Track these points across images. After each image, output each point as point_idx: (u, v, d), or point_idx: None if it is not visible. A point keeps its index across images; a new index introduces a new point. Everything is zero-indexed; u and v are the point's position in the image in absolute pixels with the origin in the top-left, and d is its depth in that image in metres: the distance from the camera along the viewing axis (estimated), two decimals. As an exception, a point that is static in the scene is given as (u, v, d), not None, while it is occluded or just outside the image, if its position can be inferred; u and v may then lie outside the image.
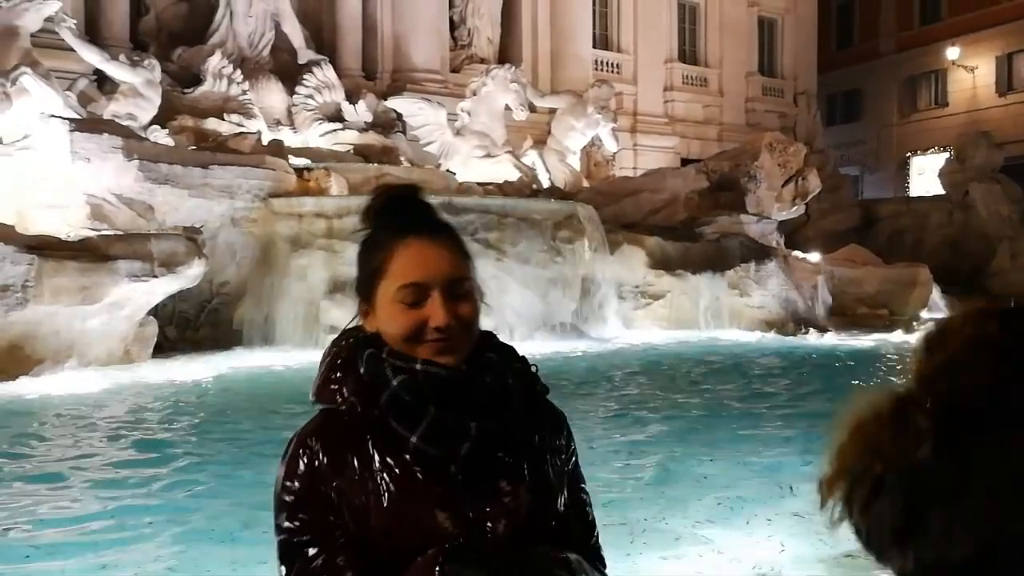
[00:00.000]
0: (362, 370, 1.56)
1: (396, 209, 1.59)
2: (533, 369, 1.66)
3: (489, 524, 1.51)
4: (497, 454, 1.54)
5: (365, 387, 1.54)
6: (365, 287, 1.59)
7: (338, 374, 1.58)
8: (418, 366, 1.51)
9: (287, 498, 1.53)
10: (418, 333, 1.52)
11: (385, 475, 1.50)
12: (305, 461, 1.53)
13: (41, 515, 5.27)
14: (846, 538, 1.19)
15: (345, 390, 1.56)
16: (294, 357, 11.52)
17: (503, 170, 18.54)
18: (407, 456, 1.50)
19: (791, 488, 5.67)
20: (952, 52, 34.32)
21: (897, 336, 15.23)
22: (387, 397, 1.52)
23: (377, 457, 1.51)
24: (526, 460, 1.57)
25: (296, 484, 1.53)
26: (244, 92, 17.27)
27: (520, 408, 1.58)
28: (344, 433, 1.54)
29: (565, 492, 1.63)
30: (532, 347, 11.52)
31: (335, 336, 1.67)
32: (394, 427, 1.51)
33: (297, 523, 1.51)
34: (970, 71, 34.56)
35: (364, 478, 1.50)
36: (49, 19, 13.87)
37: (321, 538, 1.50)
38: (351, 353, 1.59)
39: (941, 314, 15.36)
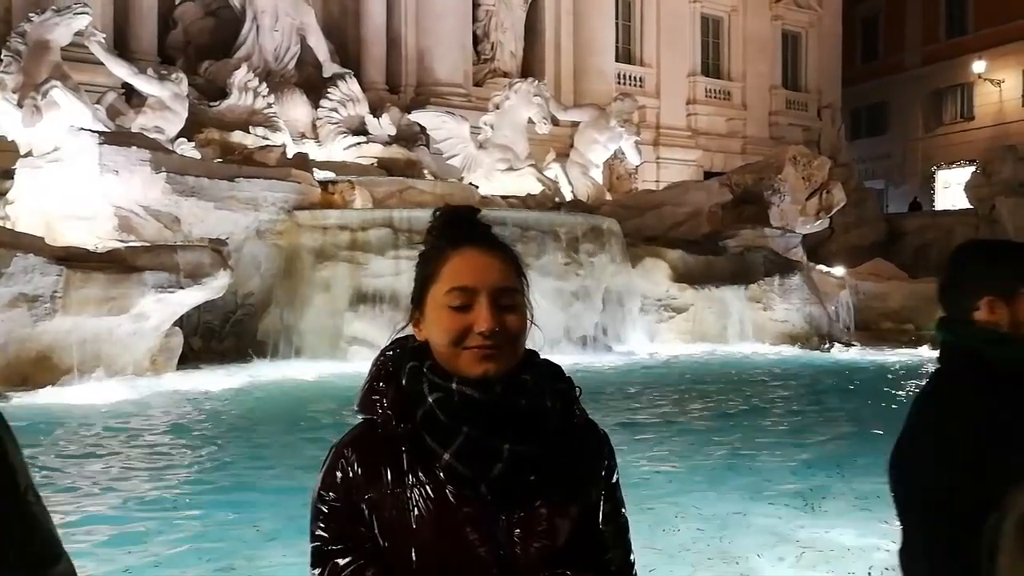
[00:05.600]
0: (404, 381, 1.58)
1: (454, 224, 1.63)
2: (577, 391, 1.66)
3: (519, 548, 1.51)
4: (530, 477, 1.54)
5: (403, 400, 1.56)
6: (417, 293, 1.63)
7: (381, 384, 1.60)
8: (454, 385, 1.53)
9: (322, 507, 1.56)
10: (462, 337, 1.53)
11: (417, 491, 1.52)
12: (340, 472, 1.56)
13: (67, 524, 5.32)
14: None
15: (385, 401, 1.58)
16: (318, 368, 11.60)
17: (526, 183, 18.58)
18: (440, 473, 1.52)
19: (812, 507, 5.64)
20: (978, 65, 34.09)
21: (923, 352, 15.10)
22: (422, 413, 1.54)
23: (410, 472, 1.53)
24: (560, 484, 1.57)
25: (331, 494, 1.56)
26: (269, 105, 17.42)
27: (556, 431, 1.58)
28: (380, 445, 1.56)
29: (601, 516, 1.62)
30: (554, 360, 11.48)
31: (363, 345, 1.70)
32: (428, 442, 1.52)
33: (330, 533, 1.55)
34: (996, 84, 34.31)
35: (396, 492, 1.52)
36: (79, 33, 14.07)
37: (352, 549, 1.53)
38: (396, 364, 1.61)
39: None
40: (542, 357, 1.66)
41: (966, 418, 2.15)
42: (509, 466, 1.51)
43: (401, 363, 1.60)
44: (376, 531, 1.53)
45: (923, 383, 2.35)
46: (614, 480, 1.68)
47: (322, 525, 1.55)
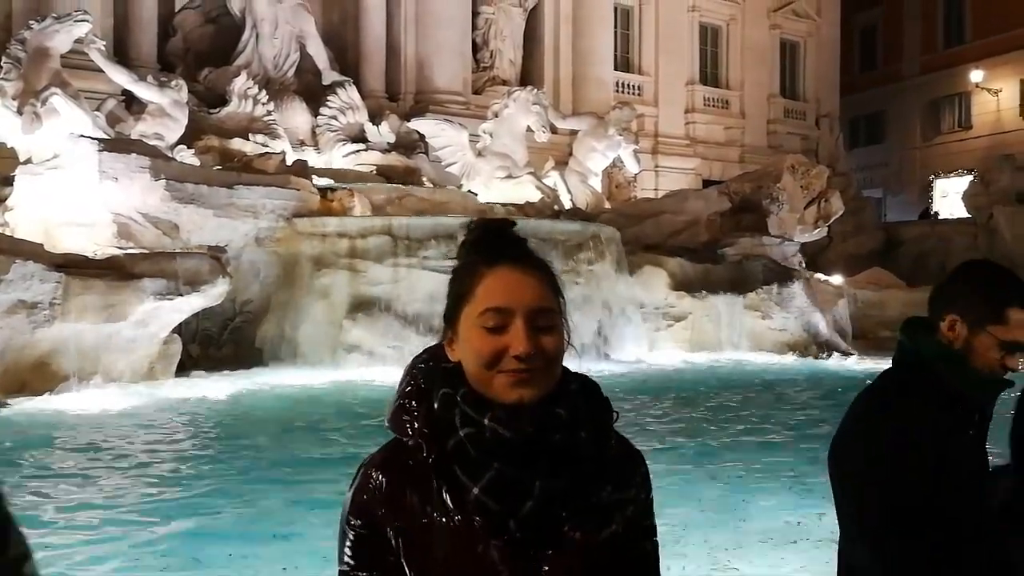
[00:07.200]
0: (436, 405, 1.53)
1: (489, 239, 1.58)
2: (613, 415, 1.60)
3: None
4: (561, 513, 1.49)
5: (433, 426, 1.51)
6: (451, 312, 1.56)
7: (412, 403, 1.55)
8: (487, 422, 1.47)
9: (350, 533, 1.54)
10: (496, 360, 1.48)
11: (445, 521, 1.48)
12: (368, 495, 1.52)
13: (58, 529, 5.31)
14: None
15: (416, 424, 1.53)
16: (316, 376, 11.60)
17: (525, 191, 18.59)
18: (468, 504, 1.47)
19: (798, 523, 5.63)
20: (976, 75, 34.19)
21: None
22: (453, 444, 1.49)
23: (439, 501, 1.49)
24: (591, 517, 1.52)
25: (359, 520, 1.53)
26: (269, 113, 17.44)
27: (590, 461, 1.54)
28: (409, 470, 1.51)
29: (632, 547, 1.57)
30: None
31: (413, 356, 1.64)
32: (458, 474, 1.48)
33: (356, 559, 1.53)
34: (994, 94, 34.41)
35: (423, 522, 1.49)
36: (79, 41, 14.09)
37: None
38: (429, 382, 1.56)
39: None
40: (577, 373, 1.60)
41: (908, 421, 2.19)
42: (540, 502, 1.47)
43: (433, 383, 1.55)
44: (402, 559, 1.50)
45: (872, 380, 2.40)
46: (647, 507, 1.62)
47: (349, 552, 1.53)
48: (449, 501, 1.48)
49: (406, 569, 1.50)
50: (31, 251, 10.29)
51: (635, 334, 15.10)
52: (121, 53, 17.77)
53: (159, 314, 10.90)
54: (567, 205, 19.20)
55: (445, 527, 1.48)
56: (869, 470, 2.20)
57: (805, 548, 5.01)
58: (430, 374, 1.57)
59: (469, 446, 1.48)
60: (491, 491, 1.46)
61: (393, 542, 1.50)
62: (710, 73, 30.36)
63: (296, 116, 18.42)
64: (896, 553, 2.15)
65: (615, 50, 26.98)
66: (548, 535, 1.48)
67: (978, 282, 2.33)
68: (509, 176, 18.84)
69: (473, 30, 23.71)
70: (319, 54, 19.33)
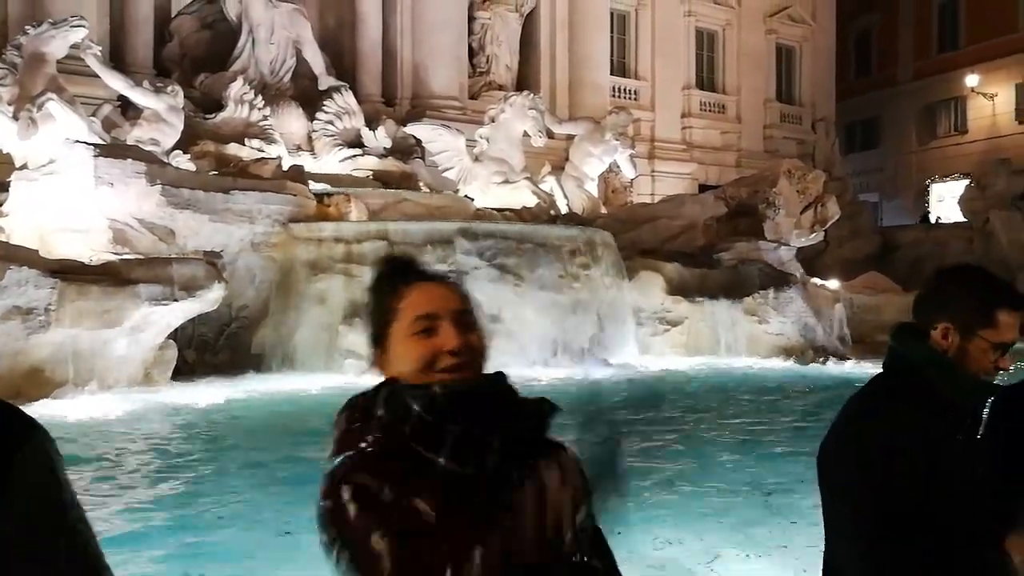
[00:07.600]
0: (380, 412, 1.59)
1: (401, 267, 1.74)
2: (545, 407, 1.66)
3: (526, 537, 1.50)
4: (523, 463, 1.54)
5: (386, 425, 1.58)
6: (378, 333, 1.69)
7: (356, 425, 1.62)
8: (436, 388, 1.57)
9: (336, 545, 1.53)
10: (432, 360, 1.61)
11: (419, 505, 1.50)
12: (344, 510, 1.52)
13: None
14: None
15: (369, 436, 1.58)
16: (312, 381, 11.57)
17: (521, 196, 18.61)
18: (437, 482, 1.52)
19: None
20: (971, 79, 34.30)
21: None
22: (411, 423, 1.56)
23: (409, 490, 1.51)
24: (551, 472, 1.55)
25: (337, 535, 1.53)
26: (265, 118, 17.42)
27: (536, 423, 1.61)
28: (372, 474, 1.54)
29: (585, 566, 1.61)
30: (549, 373, 11.51)
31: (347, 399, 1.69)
32: (421, 454, 1.54)
33: (351, 571, 1.53)
34: (989, 98, 34.51)
35: (398, 515, 1.50)
36: (75, 46, 14.07)
37: None
38: (368, 403, 1.63)
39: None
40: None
41: (898, 427, 2.20)
42: (502, 454, 1.54)
43: (372, 399, 1.62)
44: (391, 557, 1.50)
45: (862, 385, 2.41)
46: (597, 529, 1.67)
47: (337, 552, 1.52)
48: (418, 487, 1.52)
49: (396, 566, 1.50)
50: (26, 257, 10.27)
51: (631, 339, 15.11)
52: (117, 58, 17.78)
53: (155, 320, 10.88)
54: (563, 210, 19.21)
55: (420, 514, 1.50)
56: (860, 475, 2.21)
57: (790, 553, 5.00)
58: (366, 397, 1.64)
59: (424, 414, 1.55)
60: (455, 455, 1.54)
61: (378, 545, 1.50)
62: (706, 78, 30.43)
63: (292, 121, 18.41)
64: (887, 559, 2.15)
65: (611, 55, 27.04)
66: (515, 491, 1.51)
67: (965, 288, 2.33)
68: (506, 181, 18.85)
69: (469, 35, 23.75)
70: (315, 59, 19.32)
